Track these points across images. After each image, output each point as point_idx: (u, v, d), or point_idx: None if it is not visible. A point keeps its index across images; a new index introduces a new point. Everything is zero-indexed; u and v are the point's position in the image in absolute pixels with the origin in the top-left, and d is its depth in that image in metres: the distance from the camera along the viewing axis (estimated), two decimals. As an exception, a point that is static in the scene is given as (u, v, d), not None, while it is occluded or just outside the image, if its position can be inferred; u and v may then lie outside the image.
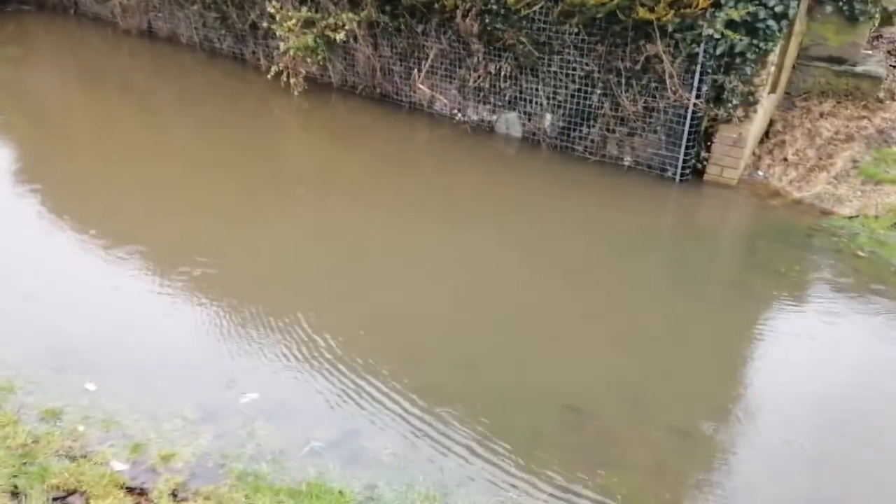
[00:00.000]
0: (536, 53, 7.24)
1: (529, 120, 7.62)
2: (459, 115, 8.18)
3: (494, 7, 7.25)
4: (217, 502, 3.34)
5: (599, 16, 6.61)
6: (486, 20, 7.36)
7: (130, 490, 3.36)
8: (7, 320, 4.67)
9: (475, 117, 8.05)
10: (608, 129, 7.06)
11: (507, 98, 7.70)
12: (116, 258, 5.47)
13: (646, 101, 6.73)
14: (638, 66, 6.65)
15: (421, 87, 8.33)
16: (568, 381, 4.33)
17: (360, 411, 4.04)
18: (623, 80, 6.78)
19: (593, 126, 7.14)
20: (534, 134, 7.64)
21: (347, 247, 5.81)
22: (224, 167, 7.26)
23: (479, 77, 7.80)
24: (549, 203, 6.58)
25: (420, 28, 8.04)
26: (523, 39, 7.24)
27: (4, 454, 3.47)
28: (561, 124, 7.38)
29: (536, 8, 7.01)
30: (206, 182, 6.94)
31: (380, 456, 3.76)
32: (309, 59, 8.77)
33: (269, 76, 8.90)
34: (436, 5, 7.63)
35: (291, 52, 8.68)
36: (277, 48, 8.89)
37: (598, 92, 6.97)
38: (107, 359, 4.32)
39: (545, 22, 7.04)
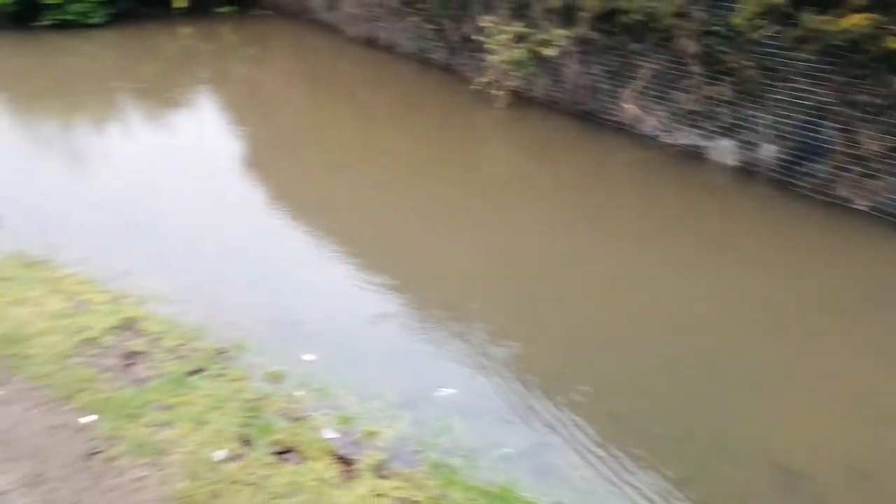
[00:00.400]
0: (762, 79, 6.80)
1: (746, 149, 7.17)
2: (667, 138, 7.90)
3: (719, 28, 6.93)
4: (414, 486, 3.47)
5: (840, 44, 6.06)
6: (708, 42, 7.05)
7: (339, 458, 3.60)
8: (242, 290, 5.24)
9: (684, 142, 7.73)
10: (840, 168, 6.44)
11: (723, 124, 7.30)
12: (331, 249, 5.93)
13: (891, 141, 6.05)
14: (883, 101, 6.00)
15: (628, 106, 8.16)
16: (780, 439, 3.96)
17: (553, 427, 4.00)
18: (863, 115, 6.15)
19: (822, 162, 6.55)
20: (750, 165, 7.17)
21: (541, 262, 5.83)
22: (427, 172, 7.63)
23: (693, 100, 7.48)
24: (763, 243, 6.11)
25: (634, 47, 7.89)
26: (748, 64, 6.83)
27: (237, 406, 3.87)
28: (783, 157, 6.86)
29: (767, 32, 6.59)
30: (409, 185, 7.32)
31: (569, 476, 3.69)
32: (516, 73, 8.95)
33: (475, 88, 9.20)
34: (654, 24, 7.45)
35: (500, 66, 8.91)
36: (486, 61, 9.16)
37: (832, 125, 6.38)
38: (324, 335, 4.69)
39: (775, 47, 6.59)
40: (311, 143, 8.55)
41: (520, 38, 8.76)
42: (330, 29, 12.38)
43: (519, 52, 8.73)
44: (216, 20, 12.89)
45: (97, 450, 3.47)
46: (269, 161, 8.00)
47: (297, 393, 4.08)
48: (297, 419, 3.86)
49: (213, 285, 5.27)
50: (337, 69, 11.35)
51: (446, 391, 4.22)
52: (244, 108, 9.92)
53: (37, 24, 11.62)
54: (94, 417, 3.68)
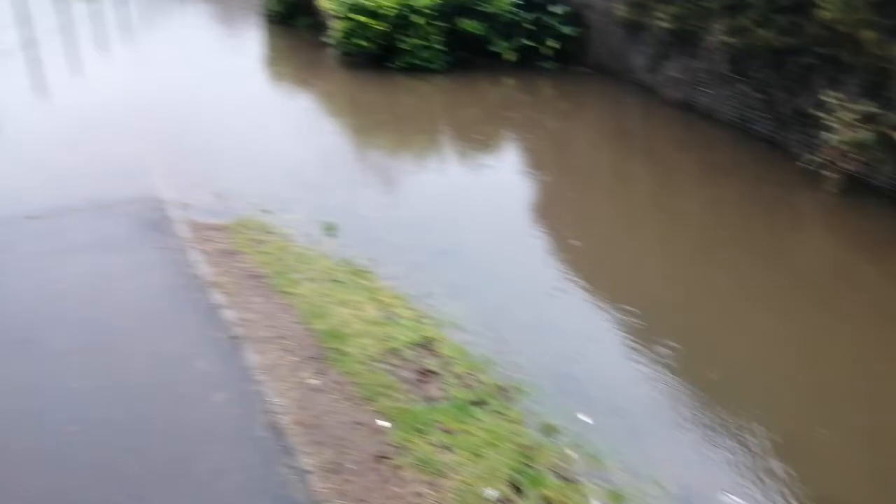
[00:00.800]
0: None
1: None
2: None
3: None
4: None
5: None
6: None
7: (606, 536, 3.42)
8: (526, 331, 5.37)
9: None
10: None
11: None
12: (611, 305, 5.79)
13: None
14: None
15: None
16: None
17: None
18: None
19: None
20: None
21: (855, 379, 5.01)
22: (726, 246, 7.09)
23: None
24: None
25: None
26: None
27: (512, 448, 3.92)
28: None
29: None
30: (703, 255, 6.89)
31: None
32: (857, 156, 7.92)
33: (802, 166, 8.35)
34: None
35: (839, 146, 7.96)
36: (821, 139, 8.26)
37: None
38: (601, 396, 4.58)
39: None
40: (603, 197, 8.54)
41: (869, 119, 7.76)
42: (647, 91, 12.32)
43: (865, 134, 7.72)
44: (538, 74, 13.66)
45: (387, 455, 3.76)
46: (558, 209, 8.16)
47: (570, 452, 4.00)
48: (567, 480, 3.77)
49: (501, 322, 5.47)
50: (646, 130, 11.23)
51: (733, 499, 3.78)
52: (544, 156, 10.28)
53: (390, 65, 13.48)
54: (387, 424, 4.01)
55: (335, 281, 5.79)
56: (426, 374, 4.56)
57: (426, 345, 4.89)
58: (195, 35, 18.21)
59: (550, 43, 13.71)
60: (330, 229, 6.95)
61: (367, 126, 11.50)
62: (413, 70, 13.38)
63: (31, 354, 4.56)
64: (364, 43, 13.35)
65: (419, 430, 3.96)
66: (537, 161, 10.05)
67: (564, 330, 5.53)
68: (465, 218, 7.68)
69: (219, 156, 9.05)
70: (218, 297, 5.35)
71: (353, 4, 13.10)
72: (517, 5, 13.68)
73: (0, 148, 8.94)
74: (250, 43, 17.44)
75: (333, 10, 13.57)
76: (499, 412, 4.27)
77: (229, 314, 5.14)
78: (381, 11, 12.94)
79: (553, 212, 8.07)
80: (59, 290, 5.39)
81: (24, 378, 4.32)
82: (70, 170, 8.10)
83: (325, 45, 14.74)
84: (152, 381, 4.32)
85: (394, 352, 4.74)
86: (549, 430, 4.18)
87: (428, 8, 13.06)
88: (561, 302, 6.00)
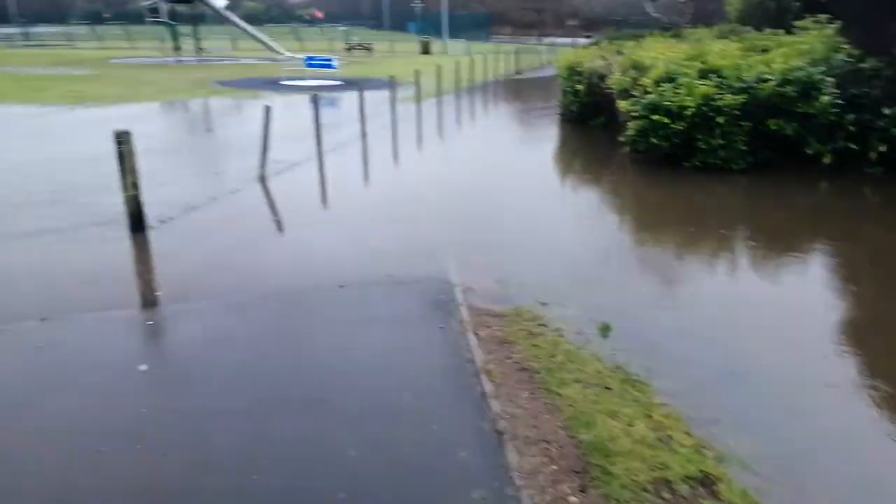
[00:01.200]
0: None
1: None
2: None
3: None
4: None
5: None
6: None
7: None
8: (834, 488, 4.40)
9: None
10: None
11: None
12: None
13: None
14: None
15: None
16: None
17: None
18: None
19: None
20: None
21: None
22: None
23: None
24: None
25: None
26: None
27: None
28: None
29: None
30: None
31: None
32: None
33: None
34: None
35: None
36: None
37: None
38: None
39: None
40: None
41: None
42: None
43: None
44: (860, 179, 12.00)
45: None
46: (880, 336, 6.79)
47: None
48: None
49: (802, 469, 4.60)
50: None
51: None
52: (862, 273, 8.81)
53: (686, 164, 13.01)
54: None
55: (606, 388, 5.46)
56: (704, 517, 3.96)
57: (706, 482, 4.27)
58: (497, 131, 19.78)
59: (877, 146, 12.02)
60: (605, 330, 6.68)
61: (653, 224, 11.11)
62: (709, 169, 12.73)
63: (322, 415, 5.01)
64: (658, 141, 13.14)
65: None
66: (853, 277, 8.65)
67: (885, 489, 4.44)
68: (759, 335, 6.81)
69: (505, 244, 9.44)
70: (487, 385, 5.38)
71: (651, 104, 13.05)
72: (837, 105, 12.35)
73: (328, 224, 10.47)
74: (546, 140, 18.37)
75: (630, 109, 13.66)
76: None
77: (496, 406, 5.12)
78: (681, 111, 12.65)
79: (872, 339, 6.77)
80: (354, 357, 5.93)
81: (311, 436, 4.74)
82: (378, 247, 9.10)
83: (616, 143, 14.85)
84: (417, 462, 4.41)
85: (666, 484, 4.21)
86: None
87: (732, 107, 12.43)
88: (881, 453, 4.87)
